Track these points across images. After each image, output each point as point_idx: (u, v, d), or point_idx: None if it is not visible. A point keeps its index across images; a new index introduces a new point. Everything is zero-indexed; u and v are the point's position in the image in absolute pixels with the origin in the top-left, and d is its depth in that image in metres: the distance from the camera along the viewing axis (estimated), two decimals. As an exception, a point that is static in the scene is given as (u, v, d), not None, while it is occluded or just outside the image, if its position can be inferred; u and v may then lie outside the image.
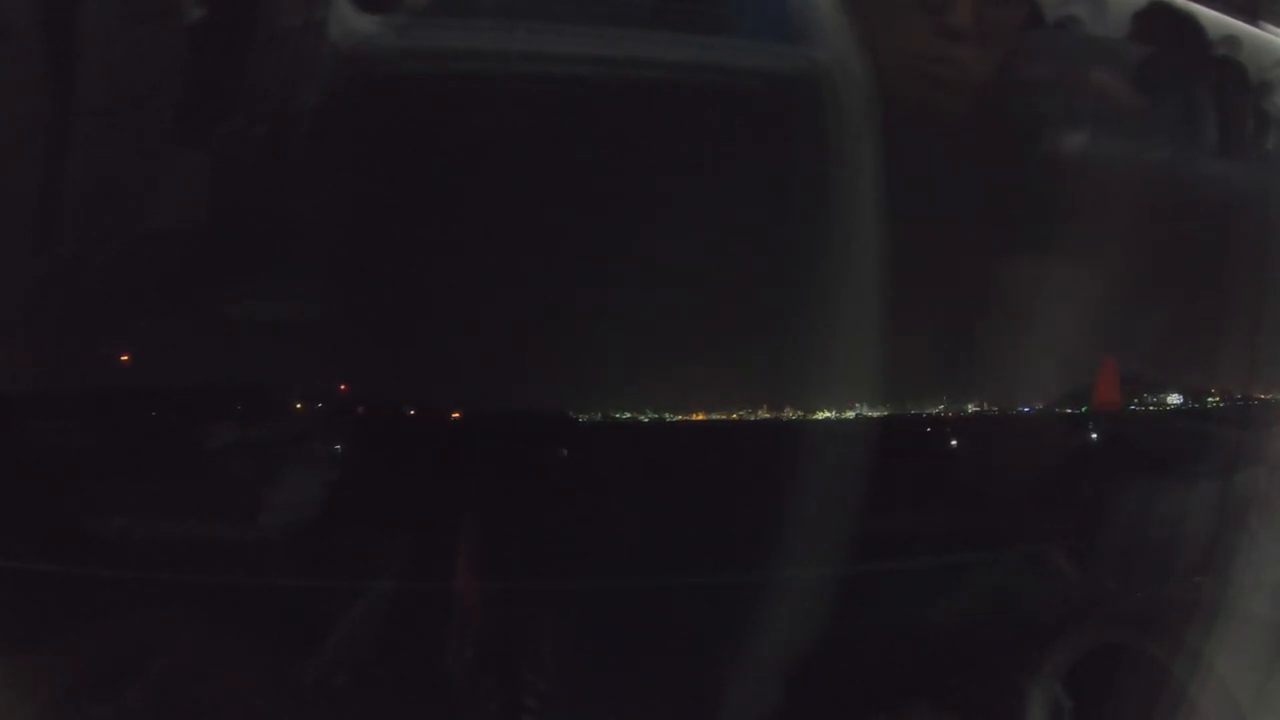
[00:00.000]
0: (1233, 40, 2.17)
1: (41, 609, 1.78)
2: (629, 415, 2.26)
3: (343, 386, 2.12)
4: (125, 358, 2.02)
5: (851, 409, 2.20)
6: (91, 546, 1.89)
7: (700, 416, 2.32)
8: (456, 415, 2.21)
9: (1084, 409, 2.36)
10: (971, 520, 2.17)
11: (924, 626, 2.05)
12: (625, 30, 1.96)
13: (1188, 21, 2.17)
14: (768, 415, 2.27)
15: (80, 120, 1.84)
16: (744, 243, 2.16)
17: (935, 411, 2.38)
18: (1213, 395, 2.36)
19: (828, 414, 2.22)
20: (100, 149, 1.88)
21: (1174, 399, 2.39)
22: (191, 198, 1.92)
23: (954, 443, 2.36)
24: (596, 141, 2.07)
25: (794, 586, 1.97)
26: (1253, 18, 2.15)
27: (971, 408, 2.36)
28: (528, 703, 1.83)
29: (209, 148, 1.92)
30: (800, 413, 2.24)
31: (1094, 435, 2.39)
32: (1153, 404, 2.42)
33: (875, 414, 2.18)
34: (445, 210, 2.04)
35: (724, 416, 2.30)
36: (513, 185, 2.03)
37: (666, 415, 2.27)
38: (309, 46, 1.88)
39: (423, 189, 2.04)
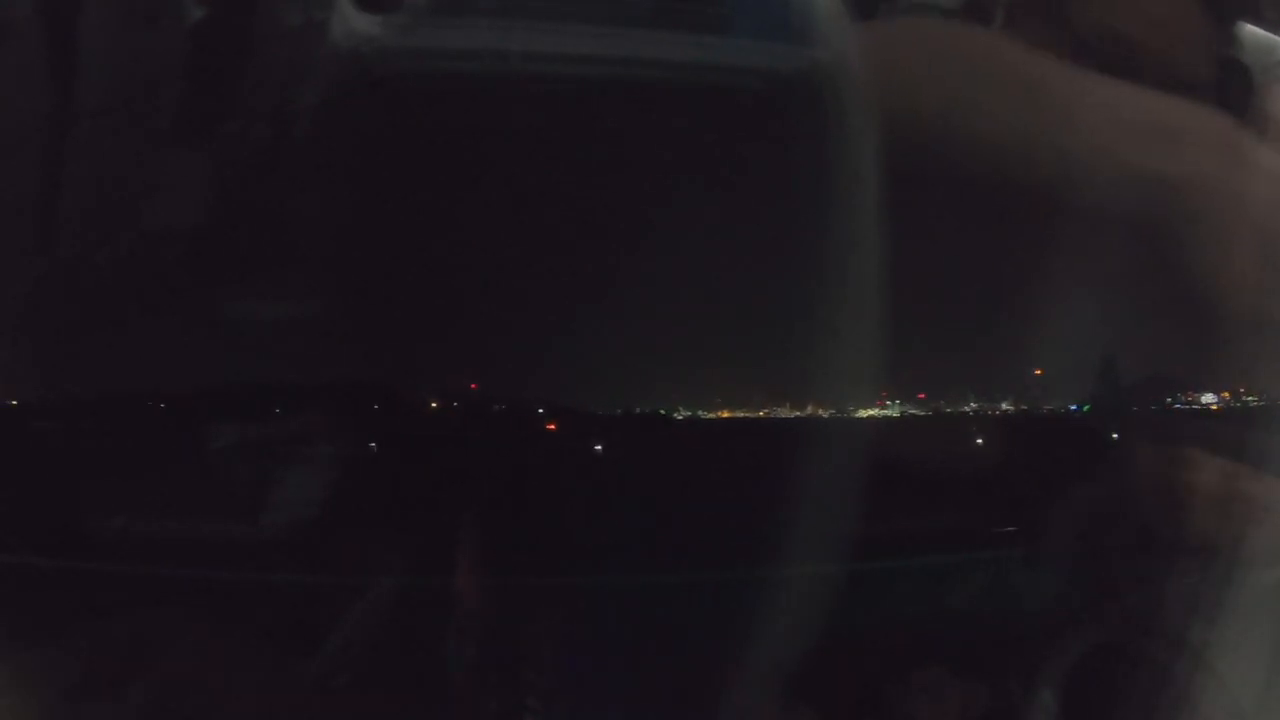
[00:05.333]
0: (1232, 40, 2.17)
1: (42, 607, 1.79)
2: (647, 412, 2.25)
3: (473, 385, 2.13)
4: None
5: (876, 407, 2.19)
6: (93, 544, 1.90)
7: (726, 414, 2.32)
8: (459, 411, 2.22)
9: (1085, 408, 2.36)
10: (971, 519, 2.17)
11: (923, 625, 2.05)
12: (625, 30, 1.96)
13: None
14: (796, 413, 2.26)
15: (80, 120, 1.84)
16: (746, 241, 2.16)
17: (951, 410, 2.37)
18: (1252, 395, 2.31)
19: (870, 412, 2.21)
20: (100, 149, 1.88)
21: (1208, 398, 2.36)
22: (191, 198, 1.93)
23: (961, 441, 2.36)
24: (597, 140, 2.07)
25: (794, 584, 1.97)
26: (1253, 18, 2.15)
27: (1006, 406, 2.35)
28: (529, 702, 1.83)
29: (209, 148, 1.93)
30: (826, 410, 2.23)
31: (1099, 435, 2.38)
32: (1186, 404, 2.40)
33: (892, 413, 2.18)
34: (447, 209, 2.04)
35: (745, 414, 2.30)
36: (514, 184, 2.04)
37: (684, 412, 2.27)
38: (309, 46, 1.88)
39: (424, 188, 2.04)
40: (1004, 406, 2.35)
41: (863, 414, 2.20)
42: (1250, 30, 2.21)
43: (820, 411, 2.21)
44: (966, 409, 2.35)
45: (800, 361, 2.15)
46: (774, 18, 2.01)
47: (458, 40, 1.94)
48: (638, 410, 2.22)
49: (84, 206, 1.93)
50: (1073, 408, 2.38)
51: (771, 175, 2.11)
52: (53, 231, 1.93)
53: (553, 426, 2.21)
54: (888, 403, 2.22)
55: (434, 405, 2.16)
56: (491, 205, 2.05)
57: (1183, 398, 2.38)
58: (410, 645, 1.90)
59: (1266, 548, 1.86)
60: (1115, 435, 2.37)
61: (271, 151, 1.95)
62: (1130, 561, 2.05)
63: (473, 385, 2.11)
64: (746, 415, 2.30)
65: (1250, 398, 2.29)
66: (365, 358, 2.03)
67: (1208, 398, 2.36)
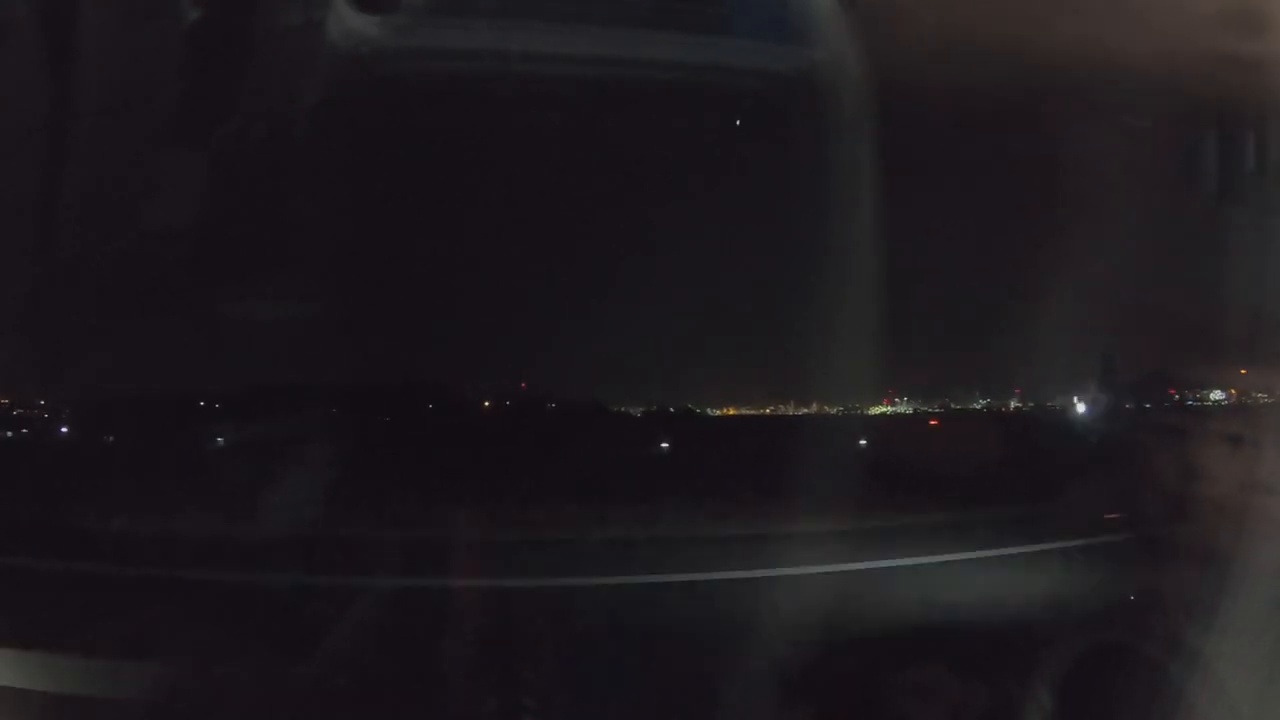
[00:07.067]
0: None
1: (42, 607, 1.79)
2: (643, 411, 2.26)
3: (523, 385, 2.14)
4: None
5: (885, 405, 2.19)
6: (94, 544, 1.90)
7: (732, 411, 2.32)
8: (461, 412, 2.22)
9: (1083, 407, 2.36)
10: (977, 517, 2.17)
11: (924, 624, 2.05)
12: (625, 30, 1.95)
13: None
14: (799, 411, 2.26)
15: (80, 120, 1.84)
16: (742, 240, 2.16)
17: (952, 409, 2.37)
18: (1262, 393, 2.30)
19: (880, 410, 2.20)
20: (100, 149, 1.88)
21: (1216, 395, 2.36)
22: (191, 197, 1.93)
23: (967, 439, 2.36)
24: (596, 140, 2.08)
25: (793, 584, 1.97)
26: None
27: (1014, 404, 2.35)
28: (527, 702, 1.83)
29: (209, 148, 1.93)
30: (831, 408, 2.23)
31: (1098, 434, 2.38)
32: (1194, 400, 2.39)
33: (898, 411, 2.18)
34: (446, 208, 2.05)
35: (752, 412, 2.30)
36: (513, 184, 2.04)
37: (689, 409, 2.27)
38: (309, 46, 1.88)
39: (423, 187, 2.04)
40: (1013, 404, 2.35)
41: (872, 411, 2.20)
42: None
43: (826, 409, 2.21)
44: (976, 405, 2.35)
45: (803, 360, 2.15)
46: (774, 18, 2.01)
47: (458, 40, 1.94)
48: (633, 409, 2.22)
49: (84, 206, 1.93)
50: (1079, 405, 2.38)
51: (772, 175, 2.11)
52: (53, 231, 1.94)
53: (552, 426, 2.21)
54: (895, 400, 2.22)
55: (435, 406, 2.16)
56: (490, 205, 2.05)
57: (1192, 395, 2.38)
58: (410, 645, 1.90)
59: (1267, 549, 1.86)
60: (1118, 433, 2.37)
61: (271, 151, 1.95)
62: (1131, 562, 2.05)
63: (523, 385, 2.12)
64: (750, 413, 2.30)
65: (1260, 394, 2.28)
66: (363, 358, 2.04)
67: (1216, 394, 2.36)
